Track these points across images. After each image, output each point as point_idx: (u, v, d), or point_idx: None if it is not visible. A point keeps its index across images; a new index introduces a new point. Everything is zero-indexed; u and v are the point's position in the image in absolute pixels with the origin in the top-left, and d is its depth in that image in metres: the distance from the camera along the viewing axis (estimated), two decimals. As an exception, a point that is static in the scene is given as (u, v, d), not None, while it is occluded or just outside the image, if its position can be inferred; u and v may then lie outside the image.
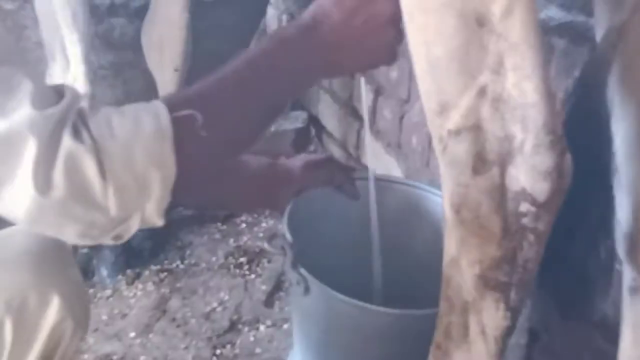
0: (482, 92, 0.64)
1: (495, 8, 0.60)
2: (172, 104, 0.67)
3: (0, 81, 0.62)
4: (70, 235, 0.67)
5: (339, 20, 0.73)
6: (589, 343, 0.95)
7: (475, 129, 0.65)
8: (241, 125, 0.76)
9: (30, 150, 0.58)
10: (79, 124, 0.62)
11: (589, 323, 0.99)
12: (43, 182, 0.59)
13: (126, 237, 0.68)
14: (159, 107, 0.66)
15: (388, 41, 0.74)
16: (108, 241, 0.69)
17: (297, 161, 1.04)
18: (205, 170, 0.72)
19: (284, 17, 2.03)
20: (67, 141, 0.60)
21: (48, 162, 0.60)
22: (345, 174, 1.09)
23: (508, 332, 0.72)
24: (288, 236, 1.03)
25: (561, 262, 0.89)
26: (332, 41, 0.74)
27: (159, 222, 0.67)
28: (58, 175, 0.60)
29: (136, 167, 0.63)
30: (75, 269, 0.90)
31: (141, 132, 0.64)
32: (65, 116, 0.62)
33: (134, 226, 0.67)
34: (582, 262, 0.98)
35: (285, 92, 0.80)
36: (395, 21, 0.72)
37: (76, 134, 0.61)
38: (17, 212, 0.63)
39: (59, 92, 0.66)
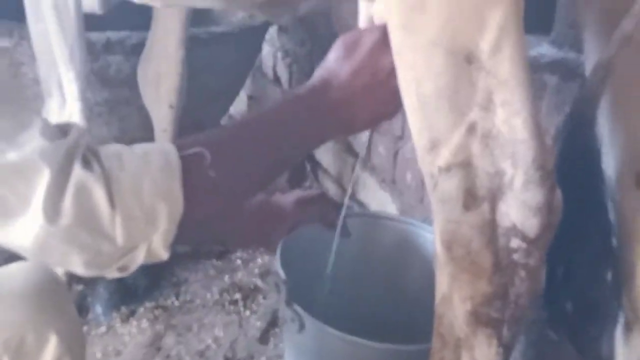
0: (471, 128, 0.65)
1: (483, 45, 0.62)
2: (181, 145, 0.70)
3: (10, 117, 0.66)
4: (76, 264, 0.68)
5: (346, 79, 0.77)
6: None
7: (465, 165, 0.66)
8: (249, 173, 0.78)
9: (43, 179, 0.60)
10: (89, 155, 0.64)
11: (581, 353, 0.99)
12: (52, 210, 0.61)
13: (132, 269, 0.69)
14: (167, 146, 0.69)
15: (392, 93, 0.76)
16: (113, 272, 0.70)
17: (290, 197, 1.05)
18: (211, 207, 0.73)
19: (279, 55, 2.07)
20: (77, 170, 0.62)
21: (59, 190, 0.61)
22: (336, 212, 1.10)
23: None
24: (281, 273, 1.04)
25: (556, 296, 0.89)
26: (340, 100, 0.77)
27: (164, 255, 0.68)
28: (67, 203, 0.61)
29: (144, 199, 0.65)
30: (71, 306, 0.91)
31: (150, 166, 0.66)
32: (75, 147, 0.64)
33: (139, 257, 0.68)
34: (584, 296, 0.98)
35: (295, 149, 0.82)
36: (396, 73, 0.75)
37: (86, 164, 0.63)
38: (25, 242, 0.64)
39: (63, 129, 0.68)
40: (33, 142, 0.62)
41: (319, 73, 0.79)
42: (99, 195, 0.62)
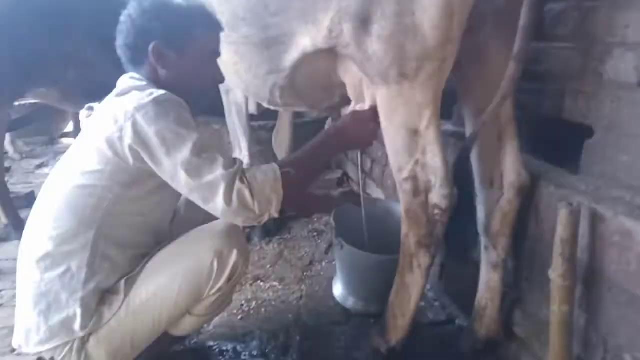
0: (416, 162, 1.34)
1: (422, 125, 1.30)
2: (281, 164, 1.35)
3: (209, 159, 1.26)
4: (240, 222, 1.32)
5: (353, 125, 1.46)
6: (468, 271, 1.69)
7: (414, 178, 1.35)
8: (311, 173, 1.46)
9: (222, 188, 1.24)
10: (242, 175, 1.27)
11: (467, 262, 1.72)
12: (228, 201, 1.24)
13: (263, 222, 1.33)
14: (275, 167, 1.33)
15: (373, 135, 1.45)
16: (255, 224, 1.33)
17: (336, 192, 1.87)
18: (296, 192, 1.37)
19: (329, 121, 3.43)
20: (237, 184, 1.26)
21: (229, 193, 1.24)
22: (357, 197, 1.93)
23: (430, 266, 1.43)
24: (332, 223, 1.92)
25: (455, 235, 1.60)
26: (348, 135, 1.46)
27: (276, 215, 1.32)
28: (234, 198, 1.25)
29: (266, 193, 1.29)
30: (243, 237, 1.51)
31: (268, 178, 1.30)
32: (236, 172, 1.26)
33: (266, 218, 1.32)
34: (464, 235, 1.69)
35: (330, 157, 1.59)
36: (376, 123, 1.41)
37: (241, 180, 1.27)
38: (217, 213, 1.28)
39: (233, 160, 1.30)
40: (218, 170, 1.24)
41: (341, 120, 1.50)
42: (247, 194, 1.26)
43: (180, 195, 1.43)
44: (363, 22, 1.24)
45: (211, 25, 1.44)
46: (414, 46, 1.19)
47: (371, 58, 1.27)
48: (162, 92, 1.29)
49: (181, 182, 1.26)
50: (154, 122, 1.23)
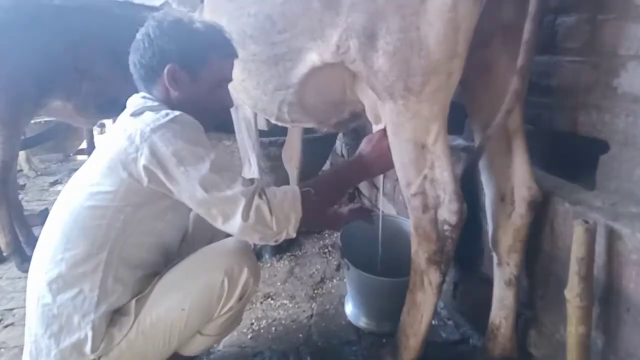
0: (425, 177, 1.32)
1: (429, 139, 1.29)
2: (302, 185, 1.35)
3: (228, 177, 1.26)
4: (256, 239, 1.31)
5: (368, 152, 1.46)
6: (483, 289, 1.64)
7: (422, 193, 1.33)
8: (331, 196, 1.45)
9: (242, 203, 1.23)
10: (262, 193, 1.27)
11: (481, 280, 1.68)
12: (246, 217, 1.23)
13: (280, 241, 1.33)
14: (295, 187, 1.34)
15: (389, 158, 1.42)
16: (272, 242, 1.33)
17: (347, 208, 1.82)
18: (313, 213, 1.36)
19: (343, 144, 3.83)
20: (256, 200, 1.25)
21: (248, 209, 1.23)
22: (368, 213, 1.89)
23: (442, 283, 1.39)
24: (339, 243, 1.89)
25: (468, 252, 1.58)
26: (368, 161, 1.46)
27: (294, 235, 1.32)
28: (252, 214, 1.24)
29: (285, 211, 1.28)
30: (253, 254, 1.51)
31: (287, 197, 1.30)
32: (255, 189, 1.26)
33: (284, 236, 1.32)
34: (478, 252, 1.66)
35: (350, 182, 1.55)
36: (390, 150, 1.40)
37: (260, 197, 1.26)
38: (234, 230, 1.27)
39: (252, 181, 1.31)
40: (237, 187, 1.25)
41: (359, 148, 1.50)
42: (265, 210, 1.26)
43: (189, 215, 1.42)
44: (369, 38, 1.23)
45: (227, 53, 1.46)
46: (419, 61, 1.18)
47: (377, 73, 1.26)
48: (177, 112, 1.30)
49: (199, 200, 1.25)
50: (171, 143, 1.24)
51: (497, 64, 1.35)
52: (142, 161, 1.23)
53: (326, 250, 2.83)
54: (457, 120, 1.75)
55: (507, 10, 1.29)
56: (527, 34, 1.17)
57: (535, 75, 1.67)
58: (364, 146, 1.49)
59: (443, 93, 1.23)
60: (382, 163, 1.47)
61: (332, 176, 1.45)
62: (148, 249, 1.41)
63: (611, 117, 1.38)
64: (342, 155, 3.90)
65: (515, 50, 1.19)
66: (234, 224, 1.26)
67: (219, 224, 1.28)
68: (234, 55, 1.47)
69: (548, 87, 1.63)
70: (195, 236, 1.65)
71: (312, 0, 1.36)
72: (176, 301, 1.37)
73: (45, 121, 4.27)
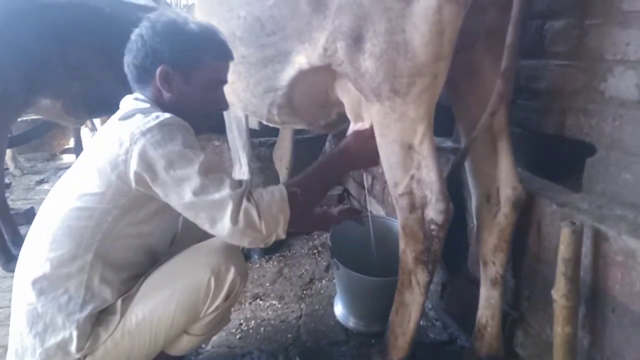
0: (412, 177, 1.32)
1: (416, 140, 1.28)
2: (287, 184, 1.34)
3: (216, 179, 1.24)
4: (245, 243, 1.29)
5: (354, 146, 1.45)
6: (470, 290, 1.63)
7: (410, 193, 1.33)
8: (317, 194, 1.44)
9: (229, 207, 1.22)
10: (249, 195, 1.26)
11: (469, 281, 1.69)
12: (235, 221, 1.22)
13: (269, 244, 1.31)
14: (281, 187, 1.32)
15: (373, 154, 1.42)
16: (261, 245, 1.31)
17: (336, 208, 1.81)
18: (303, 213, 1.36)
19: (333, 147, 3.49)
20: (245, 203, 1.24)
21: (236, 212, 1.22)
22: (357, 214, 1.88)
23: (429, 283, 1.39)
24: (329, 242, 1.88)
25: (456, 253, 1.59)
26: (353, 154, 1.45)
27: (283, 236, 1.31)
28: (241, 217, 1.22)
29: (273, 213, 1.27)
30: (241, 254, 1.49)
31: (274, 198, 1.28)
32: (244, 192, 1.25)
33: (273, 239, 1.30)
34: (465, 253, 1.67)
35: (336, 177, 1.53)
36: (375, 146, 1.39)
37: (248, 199, 1.25)
38: (223, 233, 1.25)
39: (240, 182, 1.29)
40: (226, 190, 1.23)
41: (343, 141, 1.48)
42: (254, 214, 1.24)
43: (179, 218, 1.39)
44: (356, 40, 1.24)
45: (221, 55, 1.45)
46: (405, 63, 1.19)
47: (364, 75, 1.26)
48: (167, 115, 1.29)
49: (186, 203, 1.24)
50: (160, 146, 1.23)
51: (482, 67, 1.37)
52: (132, 163, 1.22)
53: (315, 251, 2.84)
54: (446, 122, 1.76)
55: (491, 14, 1.30)
56: (510, 37, 1.18)
57: (524, 79, 1.68)
58: (349, 139, 1.48)
59: (429, 94, 1.24)
60: (367, 160, 1.48)
61: (316, 172, 1.42)
62: (135, 251, 1.40)
63: (598, 121, 1.40)
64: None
65: (499, 53, 1.20)
66: (223, 228, 1.25)
67: (207, 228, 1.27)
68: (229, 57, 1.46)
69: (536, 91, 1.65)
70: (185, 237, 1.64)
71: (300, 3, 1.36)
72: (162, 300, 1.36)
73: (32, 119, 4.24)
